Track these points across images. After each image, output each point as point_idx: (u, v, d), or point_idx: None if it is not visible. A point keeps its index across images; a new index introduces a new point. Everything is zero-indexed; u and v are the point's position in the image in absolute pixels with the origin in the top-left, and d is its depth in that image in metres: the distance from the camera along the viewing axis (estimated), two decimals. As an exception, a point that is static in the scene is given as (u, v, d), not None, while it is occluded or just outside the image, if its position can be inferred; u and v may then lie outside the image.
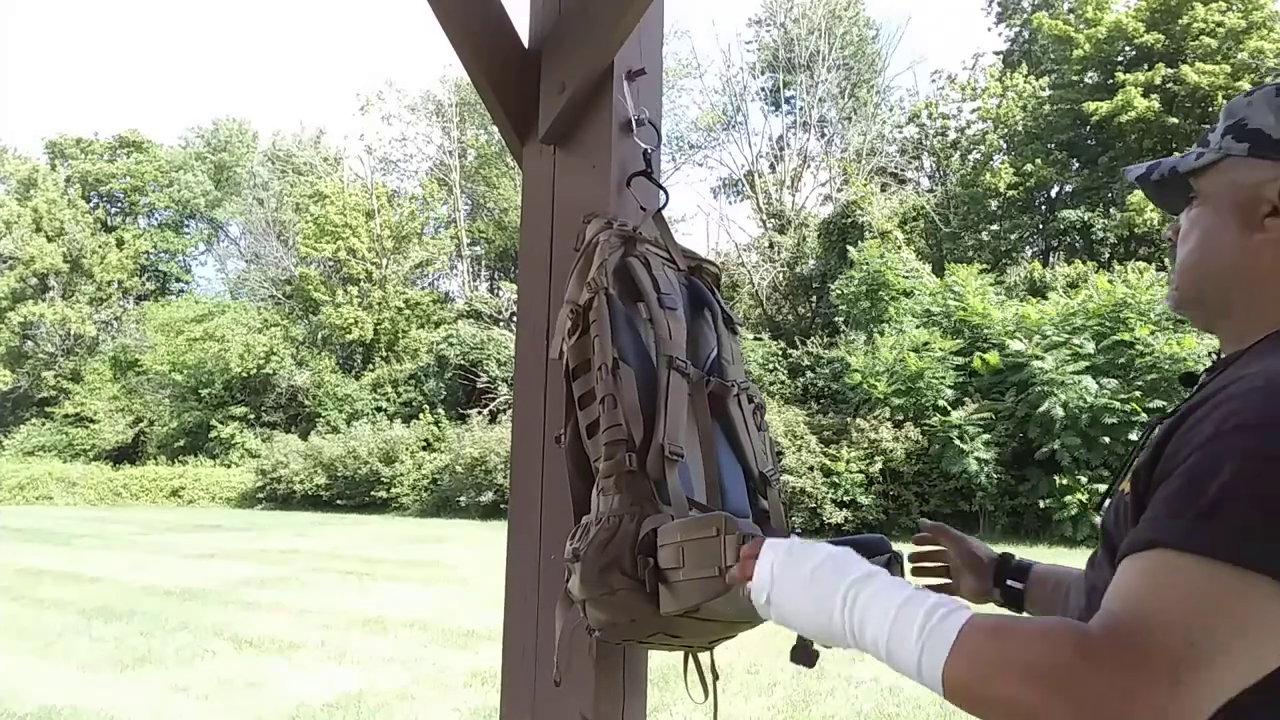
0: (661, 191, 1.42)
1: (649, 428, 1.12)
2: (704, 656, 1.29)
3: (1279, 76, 18.87)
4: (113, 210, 38.02)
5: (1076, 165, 22.24)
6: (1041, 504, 12.55)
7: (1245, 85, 18.76)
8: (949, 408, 13.53)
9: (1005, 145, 23.75)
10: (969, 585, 1.33)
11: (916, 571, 1.36)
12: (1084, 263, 18.09)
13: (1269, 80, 0.94)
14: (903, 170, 26.81)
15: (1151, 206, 16.84)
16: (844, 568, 0.80)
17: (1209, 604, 0.65)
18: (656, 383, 1.16)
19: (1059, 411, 12.36)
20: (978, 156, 24.77)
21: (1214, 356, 0.96)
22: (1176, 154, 1.02)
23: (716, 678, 1.30)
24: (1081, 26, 21.42)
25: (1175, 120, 19.48)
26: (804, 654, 1.01)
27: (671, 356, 1.17)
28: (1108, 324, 13.41)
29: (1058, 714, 0.62)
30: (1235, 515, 0.66)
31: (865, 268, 16.98)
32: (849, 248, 18.34)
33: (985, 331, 14.60)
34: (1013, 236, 23.01)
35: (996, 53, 27.19)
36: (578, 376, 1.18)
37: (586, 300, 1.19)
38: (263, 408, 27.08)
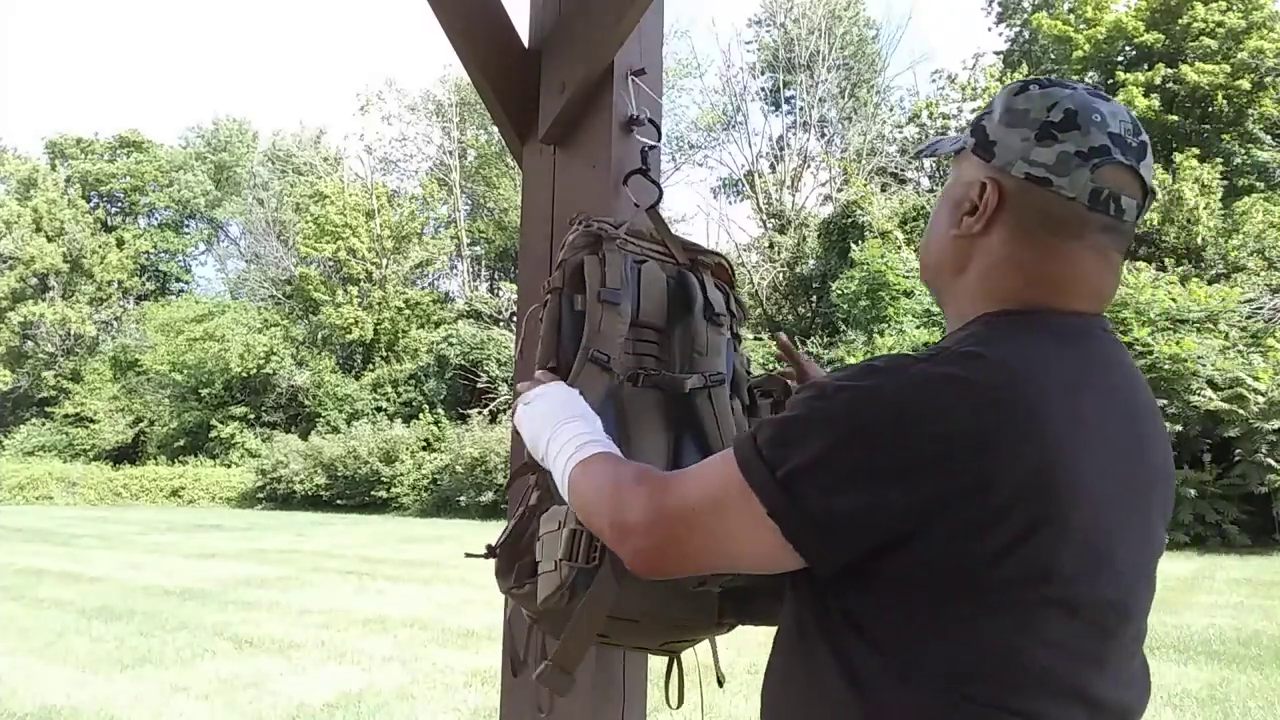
0: (655, 188, 1.41)
1: None
2: (690, 659, 1.28)
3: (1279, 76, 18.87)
4: (113, 210, 38.01)
5: (1076, 165, 22.24)
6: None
7: (1245, 85, 18.77)
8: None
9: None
10: None
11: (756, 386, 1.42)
12: (1084, 263, 18.08)
13: (1045, 77, 0.94)
14: (903, 170, 26.79)
15: (1152, 208, 16.82)
16: (556, 413, 1.04)
17: (714, 491, 0.82)
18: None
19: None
20: (978, 156, 24.75)
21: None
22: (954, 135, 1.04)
23: (721, 680, 1.28)
24: (1081, 27, 21.41)
25: (1175, 119, 19.48)
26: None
27: (590, 349, 1.17)
28: (1107, 324, 13.41)
29: (602, 522, 0.88)
30: (761, 443, 0.80)
31: (866, 268, 16.97)
32: (851, 247, 18.32)
33: (985, 332, 14.60)
34: (1013, 236, 23.01)
35: (996, 53, 27.17)
36: None
37: (542, 302, 1.22)
38: (263, 408, 27.08)
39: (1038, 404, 0.75)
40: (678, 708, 1.26)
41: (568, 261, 1.23)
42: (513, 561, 1.10)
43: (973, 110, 24.98)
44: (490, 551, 1.12)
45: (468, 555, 1.25)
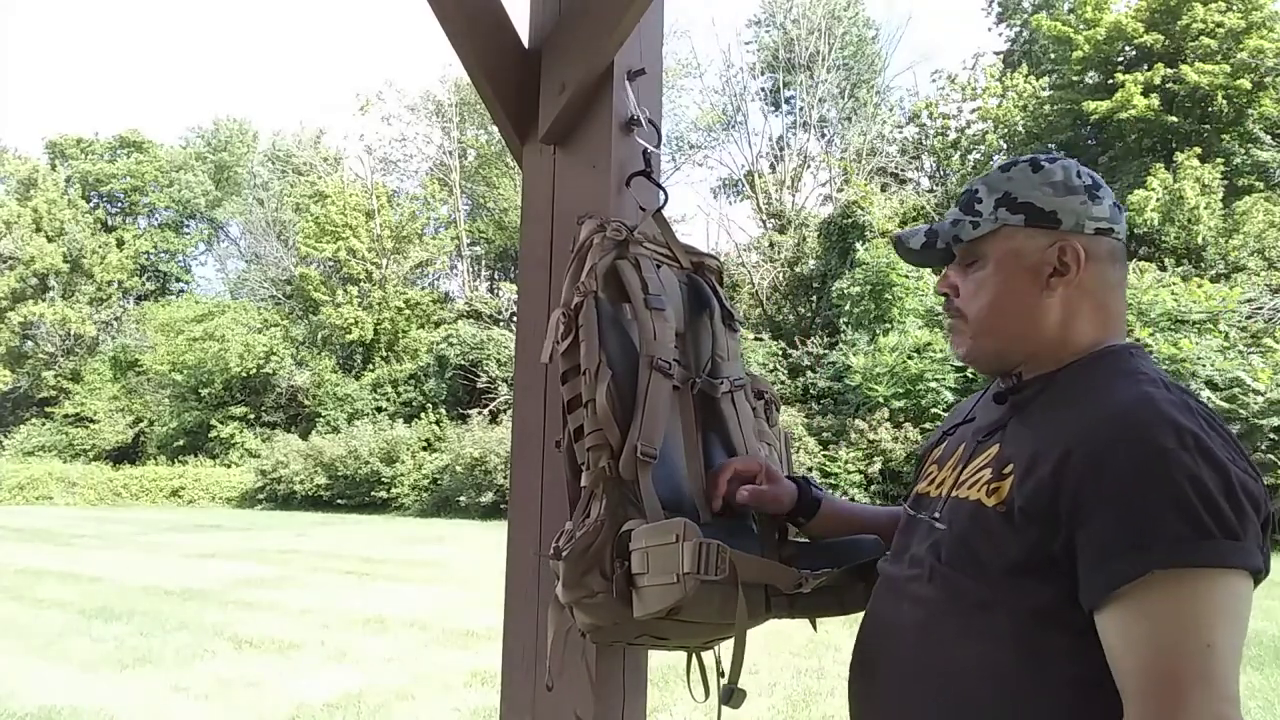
0: (661, 191, 1.42)
1: (629, 430, 1.12)
2: (708, 656, 1.29)
3: (1277, 76, 18.84)
4: (113, 210, 37.99)
5: (1076, 165, 22.24)
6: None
7: (1245, 84, 18.76)
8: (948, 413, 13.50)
9: (1005, 145, 23.74)
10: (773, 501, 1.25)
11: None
12: (1084, 263, 18.08)
13: (1024, 156, 1.08)
14: (903, 170, 26.78)
15: (1151, 206, 16.86)
16: None
17: (1199, 617, 0.78)
18: (637, 384, 1.15)
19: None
20: (978, 156, 24.75)
21: (1015, 378, 1.06)
22: (938, 220, 1.12)
23: (721, 676, 1.29)
24: (1081, 27, 21.41)
25: (1175, 119, 19.48)
26: (728, 695, 1.04)
27: (653, 357, 1.16)
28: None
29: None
30: (1189, 534, 0.78)
31: (869, 268, 16.91)
32: (855, 247, 18.26)
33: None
34: (1013, 236, 23.00)
35: (996, 53, 27.18)
36: (567, 380, 1.18)
37: (576, 304, 1.18)
38: (263, 408, 27.07)
39: None
40: (704, 701, 1.27)
41: (598, 264, 1.21)
42: (583, 572, 1.07)
43: (973, 110, 24.98)
44: (557, 554, 1.10)
45: (539, 554, 1.25)
